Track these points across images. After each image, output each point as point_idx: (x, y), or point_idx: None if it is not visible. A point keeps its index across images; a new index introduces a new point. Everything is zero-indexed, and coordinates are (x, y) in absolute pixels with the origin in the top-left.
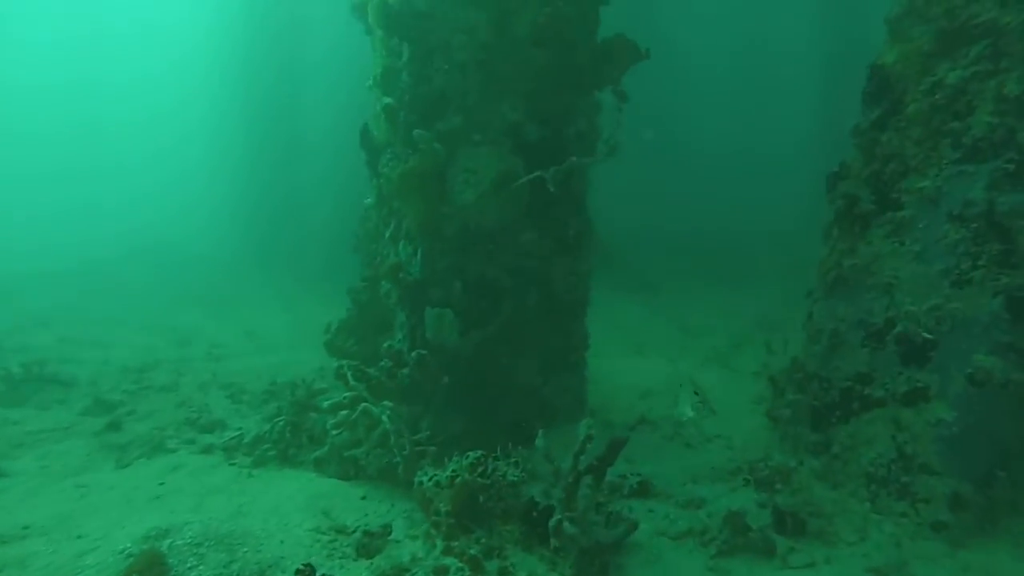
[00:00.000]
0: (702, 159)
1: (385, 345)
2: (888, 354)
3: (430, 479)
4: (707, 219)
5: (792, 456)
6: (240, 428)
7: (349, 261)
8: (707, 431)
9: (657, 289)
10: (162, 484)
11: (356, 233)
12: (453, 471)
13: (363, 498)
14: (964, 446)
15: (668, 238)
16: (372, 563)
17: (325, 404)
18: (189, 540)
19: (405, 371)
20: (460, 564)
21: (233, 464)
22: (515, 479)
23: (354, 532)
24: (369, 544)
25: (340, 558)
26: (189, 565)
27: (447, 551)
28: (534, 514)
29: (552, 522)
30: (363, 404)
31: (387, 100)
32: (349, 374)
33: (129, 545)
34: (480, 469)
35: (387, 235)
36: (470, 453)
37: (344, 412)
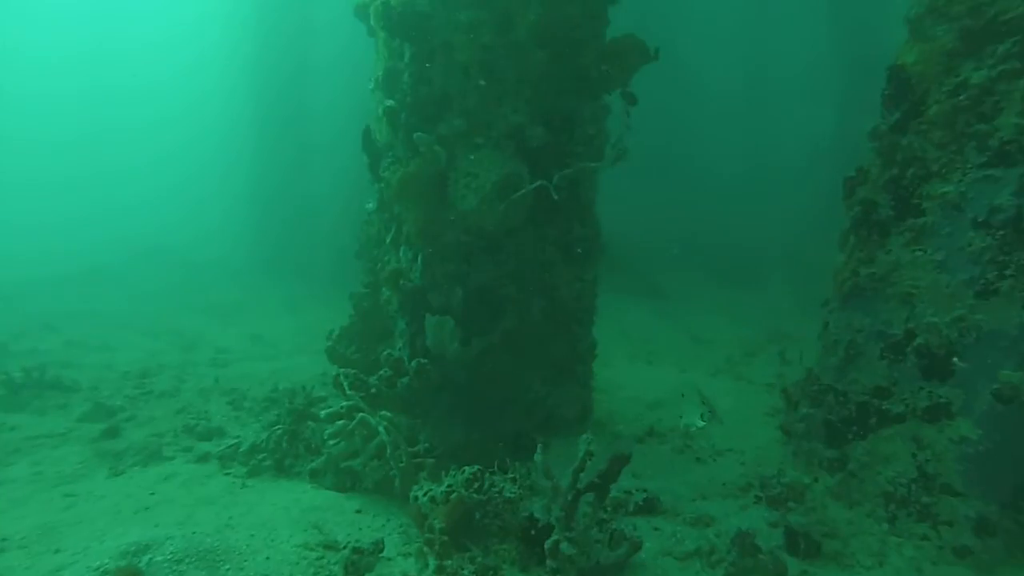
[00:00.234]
0: (716, 174)
1: (384, 353)
2: (908, 367)
3: (425, 494)
4: (721, 230)
5: (806, 473)
6: (238, 436)
7: (358, 266)
8: (718, 445)
9: (668, 296)
10: (152, 494)
11: (359, 238)
12: (449, 486)
13: (358, 512)
14: (990, 466)
15: (682, 246)
16: None
17: (322, 413)
18: (169, 556)
19: (404, 380)
20: None
21: (228, 474)
22: (512, 495)
23: (344, 548)
24: (358, 562)
25: None
26: None
27: (439, 571)
28: (533, 532)
29: (548, 542)
30: (360, 414)
31: (388, 102)
32: (345, 383)
33: (106, 561)
34: (476, 484)
35: (388, 240)
36: (466, 468)
37: (341, 422)
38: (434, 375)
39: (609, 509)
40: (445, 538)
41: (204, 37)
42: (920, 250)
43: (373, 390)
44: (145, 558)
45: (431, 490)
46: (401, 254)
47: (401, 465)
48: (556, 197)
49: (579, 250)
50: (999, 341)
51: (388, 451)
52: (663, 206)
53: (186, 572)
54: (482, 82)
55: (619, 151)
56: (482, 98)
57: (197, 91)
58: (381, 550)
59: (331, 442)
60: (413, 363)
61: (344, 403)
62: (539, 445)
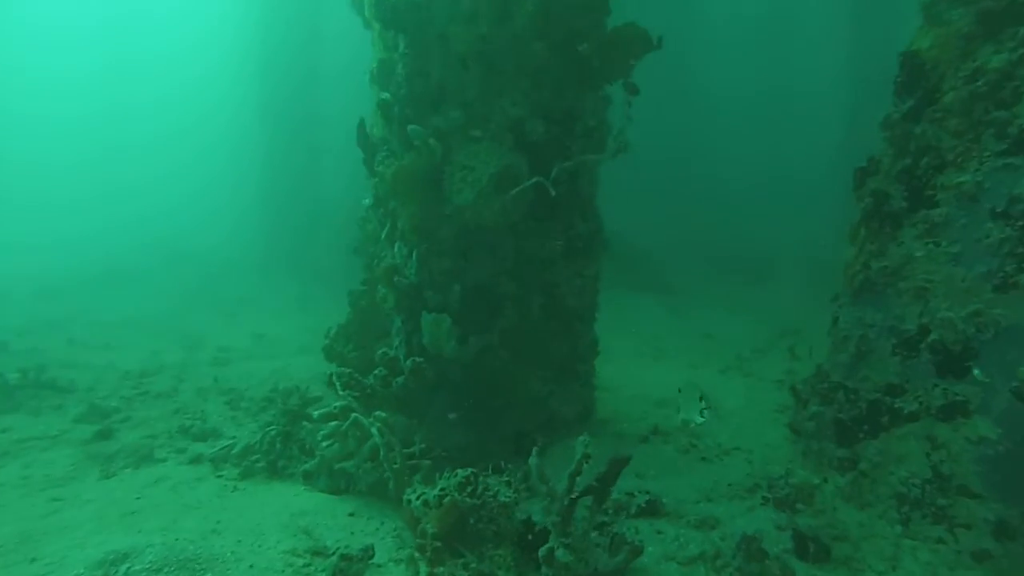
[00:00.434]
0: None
1: (380, 352)
2: (922, 364)
3: (418, 497)
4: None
5: (816, 473)
6: (234, 437)
7: (357, 263)
8: (725, 443)
9: (677, 291)
10: (139, 498)
11: (356, 235)
12: (442, 489)
13: (351, 515)
14: (1009, 467)
15: (694, 243)
16: None
17: (316, 414)
18: (148, 565)
19: (400, 380)
20: None
21: (219, 476)
22: (507, 499)
23: (332, 555)
24: (346, 569)
25: None
26: None
27: None
28: (529, 537)
29: (543, 550)
30: (353, 415)
31: (383, 95)
32: (338, 383)
33: (81, 571)
34: (470, 488)
35: (383, 236)
36: (459, 471)
37: (334, 423)
38: (430, 374)
39: (610, 512)
40: (437, 544)
41: (214, 48)
42: (934, 242)
43: (369, 390)
44: (123, 567)
45: (424, 493)
46: (396, 250)
47: (395, 467)
48: (554, 194)
49: (580, 245)
50: (1018, 337)
51: (381, 453)
52: (680, 207)
53: None
54: (480, 74)
55: (620, 143)
56: (480, 90)
57: (209, 102)
58: (371, 556)
59: (324, 443)
60: (408, 362)
61: (337, 403)
62: (535, 448)
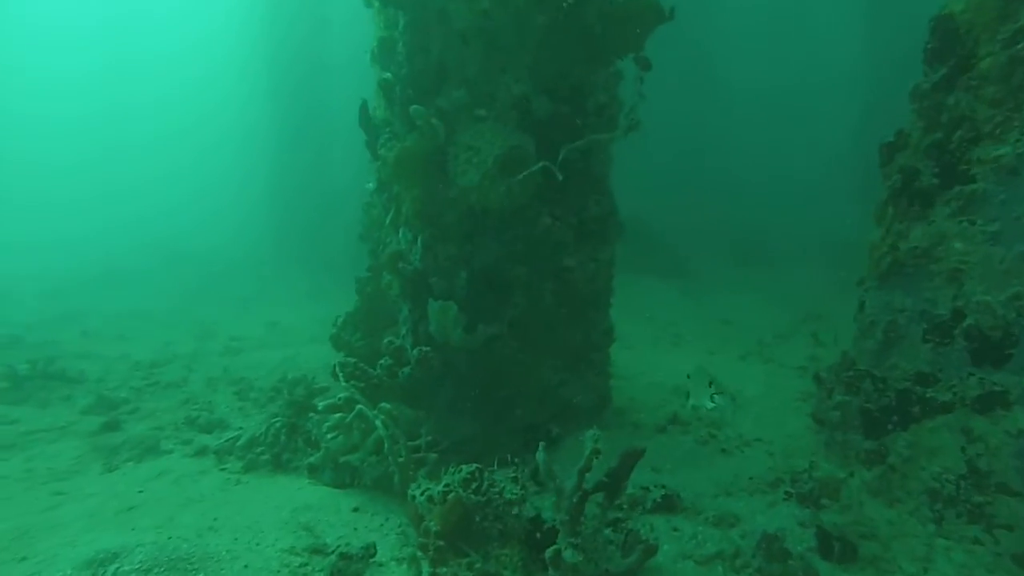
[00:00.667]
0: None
1: (386, 341)
2: (956, 351)
3: (422, 493)
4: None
5: (841, 466)
6: (240, 428)
7: (363, 249)
8: (746, 434)
9: (696, 275)
10: (141, 492)
11: (362, 220)
12: (446, 485)
13: (355, 511)
14: None
15: (712, 228)
16: None
17: (320, 405)
18: (137, 566)
19: (406, 370)
20: None
21: (223, 469)
22: (513, 497)
23: (332, 553)
24: (344, 569)
25: None
26: None
27: None
28: (538, 536)
29: (549, 551)
30: (358, 406)
31: (385, 75)
32: (341, 373)
33: (69, 572)
34: (475, 485)
35: (387, 221)
36: (463, 466)
37: (338, 415)
38: (437, 364)
39: (625, 507)
40: (441, 543)
41: (218, 45)
42: (970, 220)
43: (375, 380)
44: (111, 568)
45: (428, 489)
46: (400, 236)
47: (400, 461)
48: (561, 178)
49: (593, 228)
50: None
51: (386, 446)
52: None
53: None
54: (482, 50)
55: (632, 121)
56: (483, 68)
57: (213, 99)
58: (372, 555)
59: (329, 436)
60: (415, 351)
61: (342, 394)
62: (542, 444)
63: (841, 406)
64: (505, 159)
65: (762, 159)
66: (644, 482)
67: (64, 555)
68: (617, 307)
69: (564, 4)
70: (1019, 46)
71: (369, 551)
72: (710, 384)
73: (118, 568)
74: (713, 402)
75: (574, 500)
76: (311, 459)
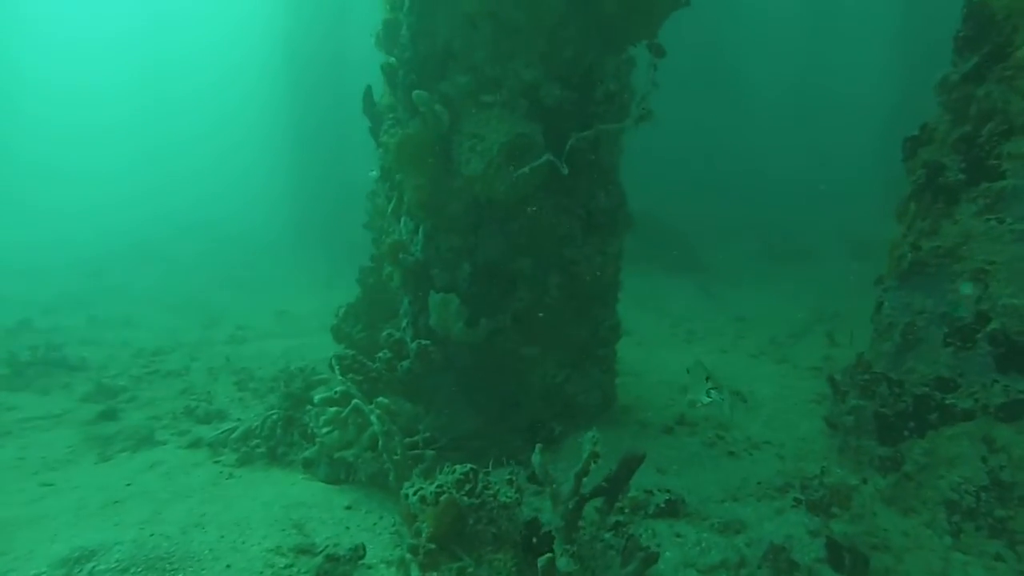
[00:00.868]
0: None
1: (385, 333)
2: (979, 356)
3: (415, 492)
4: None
5: (854, 472)
6: (238, 420)
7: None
8: (755, 436)
9: (710, 270)
10: (129, 485)
11: (366, 208)
12: (439, 486)
13: (348, 508)
14: None
15: (728, 224)
16: None
17: (316, 398)
18: (114, 565)
19: (406, 363)
20: None
21: (217, 462)
22: (508, 500)
23: (319, 554)
24: (331, 571)
25: None
26: None
27: None
28: (534, 540)
29: (542, 560)
30: (354, 401)
31: (388, 59)
32: (337, 366)
33: (44, 570)
34: (468, 486)
35: (389, 211)
36: (457, 467)
37: (334, 409)
38: (437, 358)
39: (626, 511)
40: (431, 546)
41: (239, 45)
42: (997, 219)
43: (374, 373)
44: (87, 566)
45: (422, 488)
46: (402, 225)
47: (395, 458)
48: (566, 172)
49: (602, 220)
50: None
51: (381, 441)
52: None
53: None
54: (490, 34)
55: (644, 110)
56: (491, 52)
57: (238, 97)
58: (361, 556)
59: (324, 430)
60: (414, 345)
61: (338, 388)
62: (538, 446)
63: (855, 410)
64: (511, 148)
65: (789, 158)
66: (648, 484)
67: (41, 552)
68: (630, 302)
69: None
70: None
71: (358, 552)
72: (707, 379)
73: (94, 567)
74: (710, 397)
75: (570, 505)
76: (306, 453)
